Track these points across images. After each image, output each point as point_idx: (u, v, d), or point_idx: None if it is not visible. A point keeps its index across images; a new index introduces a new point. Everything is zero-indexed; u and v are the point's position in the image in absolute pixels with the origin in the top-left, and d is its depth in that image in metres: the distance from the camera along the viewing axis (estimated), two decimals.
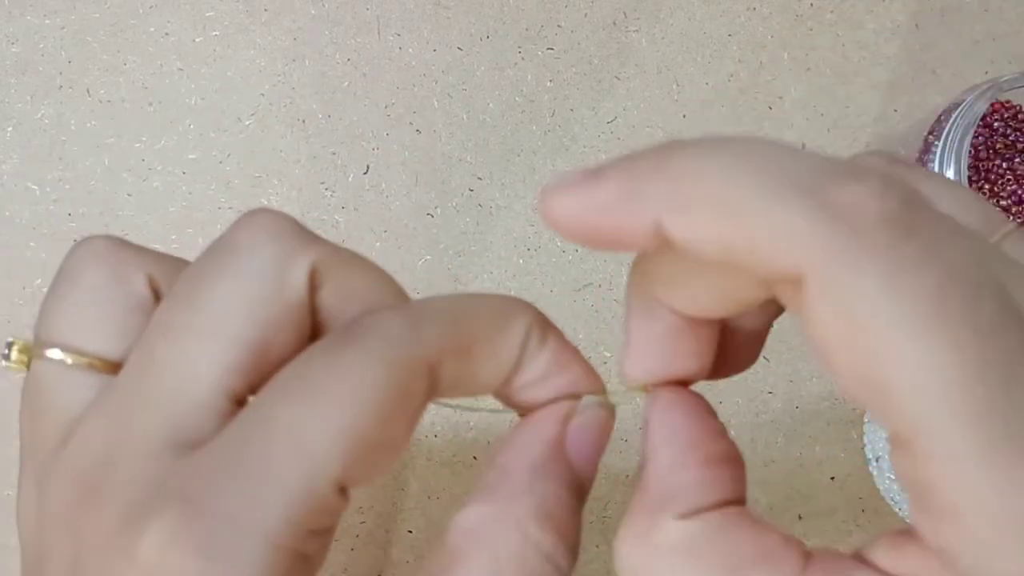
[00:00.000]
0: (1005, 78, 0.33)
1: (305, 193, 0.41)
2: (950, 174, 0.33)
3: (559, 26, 0.42)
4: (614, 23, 0.42)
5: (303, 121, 0.41)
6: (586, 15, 0.42)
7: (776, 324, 0.43)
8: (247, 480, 0.17)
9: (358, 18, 0.42)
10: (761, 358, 0.43)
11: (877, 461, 0.39)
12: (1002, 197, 0.37)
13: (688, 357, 0.20)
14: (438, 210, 0.41)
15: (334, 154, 0.41)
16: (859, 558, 0.17)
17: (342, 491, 0.18)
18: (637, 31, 0.42)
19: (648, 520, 0.18)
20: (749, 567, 0.17)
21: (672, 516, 0.18)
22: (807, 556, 0.17)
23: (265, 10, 0.41)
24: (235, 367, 0.19)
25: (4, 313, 0.40)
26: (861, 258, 0.15)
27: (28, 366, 0.20)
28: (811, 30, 0.42)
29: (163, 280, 0.21)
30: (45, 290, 0.40)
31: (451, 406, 0.23)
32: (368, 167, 0.41)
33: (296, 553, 0.18)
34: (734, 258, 0.16)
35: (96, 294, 0.20)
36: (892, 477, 0.38)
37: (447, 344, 0.19)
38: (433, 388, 0.19)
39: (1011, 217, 0.37)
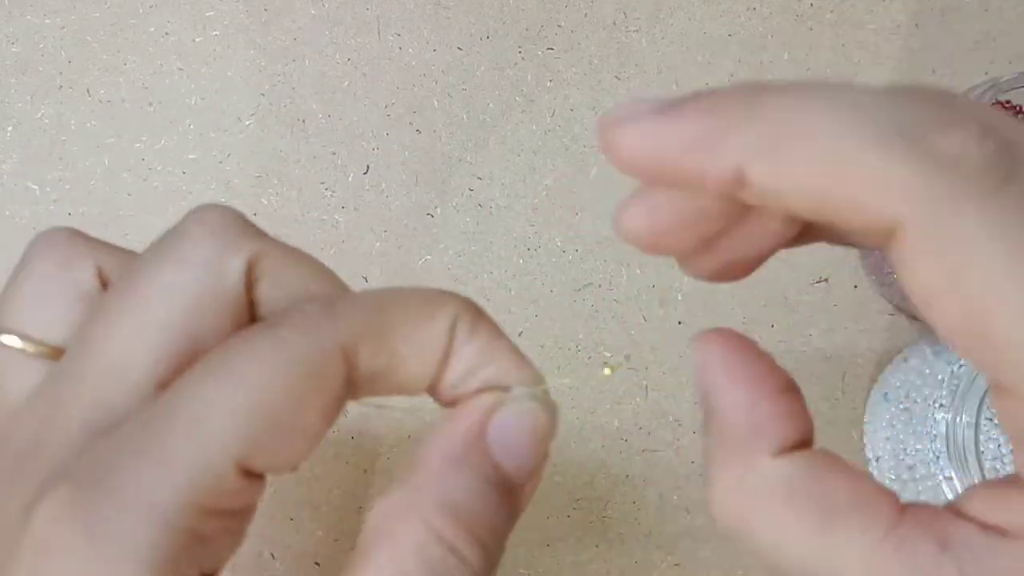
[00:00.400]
0: (1005, 78, 0.33)
1: (305, 193, 0.41)
2: None
3: (559, 26, 0.42)
4: (614, 23, 0.42)
5: (303, 121, 0.41)
6: (586, 15, 0.42)
7: (776, 324, 0.43)
8: (141, 458, 0.17)
9: (358, 18, 0.42)
10: None
11: (877, 461, 0.39)
12: None
13: (692, 232, 0.18)
14: (438, 210, 0.41)
15: (334, 154, 0.41)
16: (954, 511, 0.17)
17: (247, 474, 0.18)
18: (637, 31, 0.42)
19: (741, 462, 0.18)
20: (844, 511, 0.17)
21: (766, 454, 0.18)
22: (902, 508, 0.17)
23: (265, 10, 0.41)
24: (165, 355, 0.19)
25: None
26: (965, 206, 0.14)
27: None
28: (811, 30, 0.42)
29: (113, 271, 0.21)
30: None
31: (370, 405, 0.23)
32: (368, 167, 0.41)
33: (191, 532, 0.17)
34: (825, 208, 0.15)
35: (45, 283, 0.21)
36: (892, 477, 0.38)
37: (363, 330, 0.19)
38: (351, 377, 0.19)
39: None
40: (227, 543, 0.19)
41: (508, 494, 0.20)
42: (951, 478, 0.33)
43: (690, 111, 0.16)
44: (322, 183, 0.41)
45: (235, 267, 0.20)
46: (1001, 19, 0.43)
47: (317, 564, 0.38)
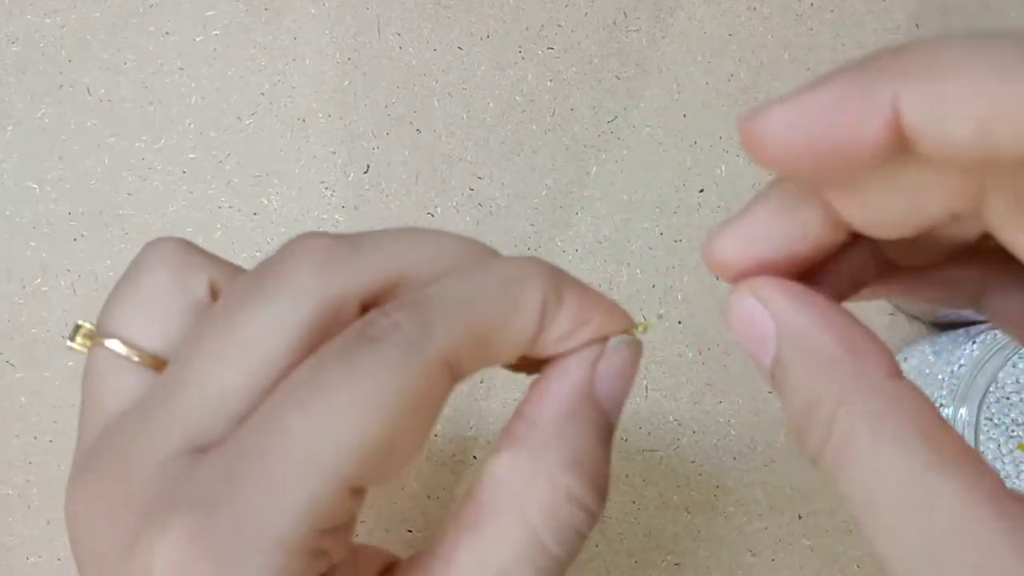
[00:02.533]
0: None
1: (305, 193, 0.41)
2: None
3: (559, 26, 0.42)
4: (614, 23, 0.42)
5: (303, 121, 0.41)
6: (586, 15, 0.42)
7: None
8: (259, 487, 0.17)
9: (358, 18, 0.42)
10: None
11: None
12: None
13: (789, 264, 0.18)
14: (438, 209, 0.41)
15: (334, 153, 0.41)
16: None
17: (356, 492, 0.18)
18: (637, 31, 0.42)
19: (868, 386, 0.18)
20: (955, 461, 0.16)
21: (884, 376, 0.18)
22: (1001, 484, 0.16)
23: (265, 9, 0.41)
24: (265, 385, 0.19)
25: (4, 313, 0.40)
26: None
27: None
28: (811, 30, 0.42)
29: (223, 286, 0.21)
30: (45, 289, 0.40)
31: None
32: (368, 166, 0.41)
33: (310, 551, 0.18)
34: (994, 143, 0.14)
35: (157, 293, 0.21)
36: None
37: (463, 339, 0.19)
38: (454, 381, 0.19)
39: None
40: (338, 551, 0.19)
41: (610, 438, 0.21)
42: None
43: (833, 77, 0.15)
44: (322, 183, 0.41)
45: (333, 297, 0.20)
46: (1001, 19, 0.43)
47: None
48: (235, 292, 0.20)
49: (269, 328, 0.19)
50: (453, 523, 0.20)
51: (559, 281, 0.21)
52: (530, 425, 0.20)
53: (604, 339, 0.22)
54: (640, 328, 0.23)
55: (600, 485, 0.20)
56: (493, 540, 0.19)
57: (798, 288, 0.19)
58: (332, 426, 0.18)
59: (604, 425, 0.21)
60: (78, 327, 0.21)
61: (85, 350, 0.21)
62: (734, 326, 0.19)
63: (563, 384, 0.21)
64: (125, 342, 0.21)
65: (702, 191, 0.42)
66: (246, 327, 0.19)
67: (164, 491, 0.18)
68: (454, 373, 0.19)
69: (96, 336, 0.21)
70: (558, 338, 0.21)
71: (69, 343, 0.21)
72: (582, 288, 0.22)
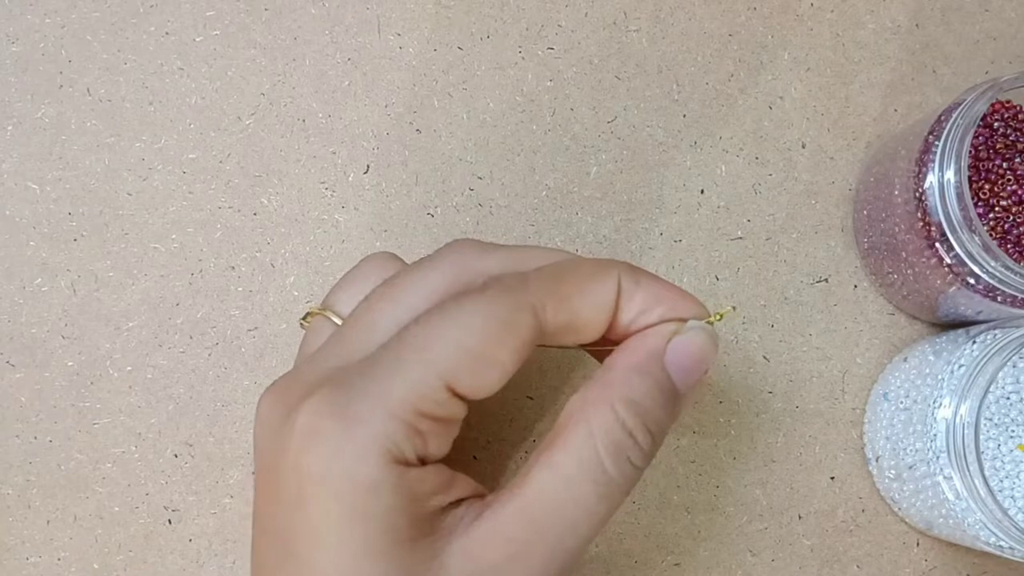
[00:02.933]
0: (1005, 78, 0.33)
1: (305, 193, 0.41)
2: (950, 174, 0.33)
3: (559, 26, 0.42)
4: (614, 23, 0.42)
5: (303, 121, 0.41)
6: (586, 15, 0.42)
7: (777, 324, 0.43)
8: (379, 371, 0.25)
9: (358, 17, 0.42)
10: (761, 358, 0.43)
11: (877, 460, 0.39)
12: (1002, 197, 0.37)
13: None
14: (438, 210, 0.41)
15: (334, 153, 0.41)
16: None
17: (452, 392, 0.25)
18: (637, 31, 0.42)
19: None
20: None
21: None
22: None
23: (265, 9, 0.41)
24: (403, 320, 0.26)
25: (4, 312, 0.40)
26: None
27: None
28: (811, 30, 0.42)
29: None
30: (45, 289, 0.40)
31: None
32: (368, 166, 0.41)
33: (411, 426, 0.24)
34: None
35: (360, 280, 0.29)
36: (892, 476, 0.38)
37: (548, 293, 0.26)
38: (540, 327, 0.25)
39: (1011, 217, 0.37)
40: (435, 443, 0.25)
41: (673, 400, 0.26)
42: (951, 478, 0.33)
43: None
44: (322, 183, 0.41)
45: (464, 271, 0.28)
46: (1001, 19, 0.43)
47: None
48: (406, 267, 0.29)
49: (413, 284, 0.27)
50: (536, 450, 0.26)
51: (637, 270, 0.27)
52: (605, 370, 0.26)
53: (682, 321, 0.27)
54: (716, 317, 0.27)
55: (651, 429, 0.25)
56: (562, 451, 0.25)
57: None
58: (438, 334, 0.25)
59: (668, 387, 0.26)
60: (307, 313, 0.31)
61: (308, 324, 0.30)
62: None
63: (639, 345, 0.26)
64: (335, 313, 0.29)
65: (702, 191, 0.42)
66: (395, 284, 0.27)
67: (319, 378, 0.25)
68: (539, 317, 0.25)
69: (316, 311, 0.30)
70: (636, 314, 0.27)
71: (301, 322, 0.31)
72: (660, 279, 0.27)
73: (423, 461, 0.25)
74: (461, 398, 0.25)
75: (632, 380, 0.26)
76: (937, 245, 0.34)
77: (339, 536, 0.24)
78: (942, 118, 0.35)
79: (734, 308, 0.29)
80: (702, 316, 0.27)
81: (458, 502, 0.26)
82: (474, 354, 0.25)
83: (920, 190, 0.35)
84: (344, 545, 0.24)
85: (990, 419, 0.36)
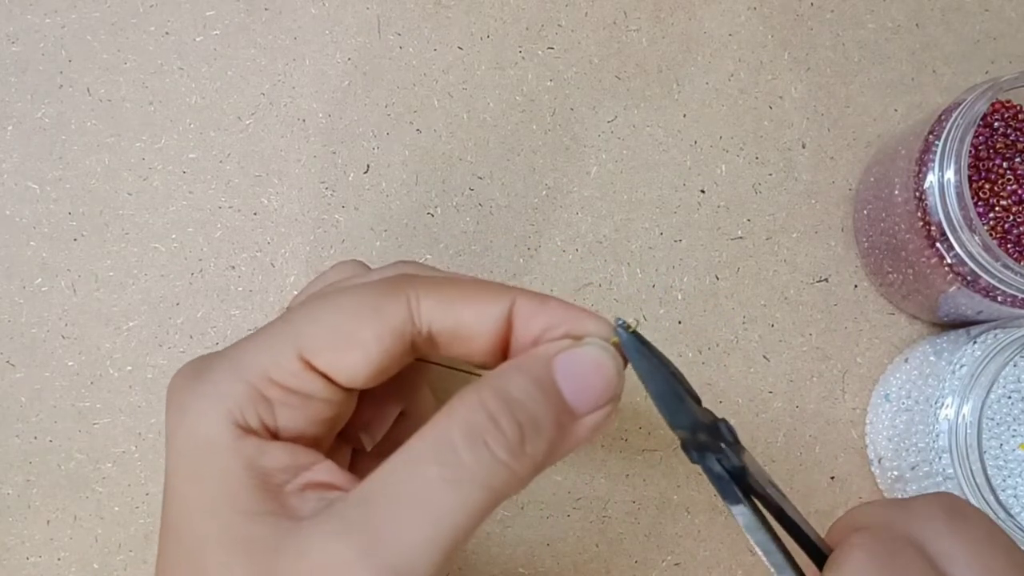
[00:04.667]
0: (1005, 78, 0.33)
1: (305, 192, 0.41)
2: (950, 174, 0.33)
3: (559, 26, 0.42)
4: (614, 23, 0.42)
5: (303, 121, 0.41)
6: (586, 14, 0.42)
7: (777, 324, 0.43)
8: (244, 341, 0.26)
9: (358, 17, 0.42)
10: (761, 357, 0.43)
11: (880, 461, 0.39)
12: (1002, 197, 0.37)
13: None
14: (438, 209, 0.41)
15: (334, 153, 0.41)
16: None
17: (308, 366, 0.25)
18: (637, 31, 0.42)
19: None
20: None
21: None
22: None
23: (265, 9, 0.41)
24: None
25: (4, 313, 0.40)
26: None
27: None
28: (811, 29, 0.42)
29: None
30: (45, 289, 0.40)
31: (451, 367, 0.31)
32: (368, 166, 0.41)
33: (256, 391, 0.25)
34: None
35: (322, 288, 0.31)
36: (895, 475, 0.38)
37: (429, 289, 0.25)
38: (411, 319, 0.25)
39: (1011, 217, 0.37)
40: (286, 415, 0.25)
41: (562, 412, 0.24)
42: (954, 476, 0.33)
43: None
44: (322, 183, 0.41)
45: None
46: (1001, 19, 0.43)
47: None
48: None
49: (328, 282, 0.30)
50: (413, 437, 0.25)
51: (546, 296, 0.26)
52: (488, 374, 0.25)
53: (580, 339, 0.25)
54: (615, 338, 0.25)
55: (522, 420, 0.23)
56: (417, 437, 0.23)
57: None
58: (307, 310, 0.25)
59: (549, 387, 0.24)
60: None
61: None
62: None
63: (528, 351, 0.25)
64: None
65: (702, 191, 0.41)
66: (327, 290, 0.28)
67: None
68: (411, 308, 0.25)
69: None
70: (540, 332, 0.26)
71: None
72: (569, 304, 0.26)
73: (274, 434, 0.25)
74: (323, 376, 0.25)
75: (507, 373, 0.24)
76: (937, 245, 0.34)
77: (183, 492, 0.24)
78: (942, 118, 0.35)
79: (638, 322, 0.27)
80: (607, 336, 0.26)
81: (316, 488, 0.25)
82: (335, 331, 0.25)
83: (920, 190, 0.35)
84: (188, 501, 0.24)
85: (992, 418, 0.36)
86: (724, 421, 0.25)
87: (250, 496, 0.23)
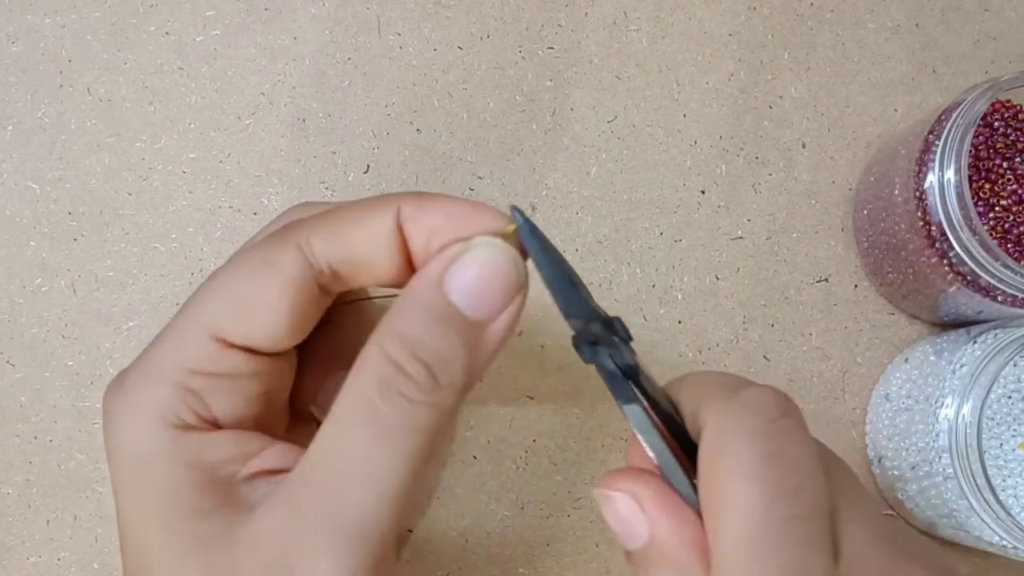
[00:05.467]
0: (1005, 78, 0.33)
1: (305, 192, 0.41)
2: (950, 174, 0.33)
3: (559, 25, 0.42)
4: (614, 23, 0.42)
5: (303, 121, 0.41)
6: (586, 15, 0.42)
7: (777, 324, 0.43)
8: (155, 341, 0.25)
9: (358, 17, 0.42)
10: (761, 357, 0.43)
11: (880, 461, 0.39)
12: (1002, 197, 0.37)
13: None
14: None
15: (334, 153, 0.41)
16: None
17: (224, 343, 0.24)
18: (637, 31, 0.42)
19: None
20: None
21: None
22: None
23: (265, 9, 0.41)
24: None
25: (4, 313, 0.40)
26: None
27: None
28: (811, 29, 0.42)
29: None
30: (45, 289, 0.40)
31: (378, 296, 0.29)
32: (368, 166, 0.41)
33: (180, 386, 0.24)
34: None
35: None
36: (896, 475, 0.38)
37: (313, 227, 0.24)
38: (307, 262, 0.24)
39: (1011, 217, 0.37)
40: (220, 402, 0.24)
41: (459, 327, 0.23)
42: (954, 476, 0.33)
43: None
44: (322, 183, 0.41)
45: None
46: (1001, 19, 0.43)
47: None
48: None
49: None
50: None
51: (425, 194, 0.25)
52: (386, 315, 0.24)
53: (469, 240, 0.24)
54: (509, 229, 0.24)
55: (426, 359, 0.23)
56: (337, 402, 0.23)
57: (669, 500, 0.22)
58: (205, 288, 0.25)
59: (444, 313, 0.23)
60: None
61: None
62: (612, 520, 0.23)
63: (417, 277, 0.24)
64: None
65: (703, 191, 0.41)
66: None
67: None
68: (304, 252, 0.24)
69: None
70: (426, 238, 0.24)
71: None
72: (453, 197, 0.25)
73: (215, 424, 0.24)
74: (242, 349, 0.24)
75: (401, 310, 0.23)
76: (937, 244, 0.34)
77: (130, 508, 0.24)
78: (942, 118, 0.35)
79: (533, 207, 0.25)
80: (497, 230, 0.24)
81: (267, 475, 0.24)
82: (236, 299, 0.24)
83: (920, 190, 0.35)
84: (135, 515, 0.24)
85: (992, 418, 0.36)
86: (618, 319, 0.25)
87: (194, 494, 0.23)
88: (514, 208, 0.24)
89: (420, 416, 0.23)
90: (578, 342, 0.24)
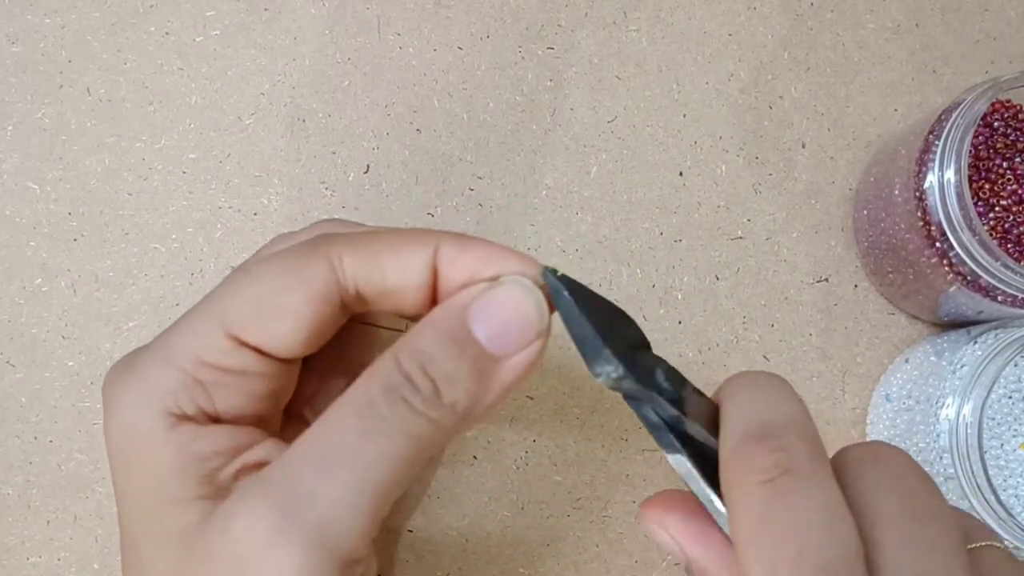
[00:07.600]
0: (1005, 78, 0.33)
1: (305, 193, 0.41)
2: (950, 174, 0.33)
3: (559, 25, 0.42)
4: (614, 23, 0.42)
5: (303, 121, 0.41)
6: (586, 15, 0.42)
7: (777, 324, 0.43)
8: (171, 327, 0.26)
9: (358, 17, 0.42)
10: (761, 357, 0.43)
11: None
12: (1002, 197, 0.37)
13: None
14: (438, 209, 0.41)
15: (334, 153, 0.41)
16: None
17: (237, 342, 0.24)
18: (637, 31, 0.42)
19: None
20: None
21: None
22: None
23: (265, 9, 0.41)
24: None
25: (4, 313, 0.40)
26: None
27: None
28: (811, 29, 0.42)
29: None
30: (45, 289, 0.40)
31: (391, 327, 0.30)
32: (368, 166, 0.41)
33: (188, 376, 0.24)
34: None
35: None
36: None
37: (349, 245, 0.25)
38: (336, 278, 0.25)
39: (1011, 217, 0.37)
40: (224, 397, 0.25)
41: (480, 359, 0.24)
42: (954, 476, 0.33)
43: None
44: (322, 183, 0.41)
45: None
46: (1001, 19, 0.43)
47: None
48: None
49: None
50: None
51: (467, 237, 0.25)
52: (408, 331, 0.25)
53: (496, 279, 0.25)
54: (541, 274, 0.24)
55: (434, 375, 0.23)
56: (340, 399, 0.23)
57: (693, 528, 0.23)
58: (229, 286, 0.25)
59: (462, 338, 0.24)
60: None
61: None
62: (663, 548, 0.23)
63: (440, 305, 0.25)
64: None
65: (703, 191, 0.41)
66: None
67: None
68: (334, 267, 0.25)
69: None
70: (465, 279, 0.25)
71: None
72: (493, 243, 0.25)
73: (214, 418, 0.25)
74: (255, 350, 0.25)
75: (420, 331, 0.24)
76: (937, 244, 0.34)
77: (121, 488, 0.24)
78: (942, 118, 0.35)
79: (555, 270, 0.26)
80: (530, 275, 0.25)
81: (254, 468, 0.24)
82: (260, 302, 0.24)
83: (920, 190, 0.35)
84: (125, 496, 0.24)
85: (993, 418, 0.36)
86: (662, 366, 0.24)
87: (179, 483, 0.23)
88: (546, 269, 0.24)
89: (416, 424, 0.23)
90: (623, 393, 0.24)
